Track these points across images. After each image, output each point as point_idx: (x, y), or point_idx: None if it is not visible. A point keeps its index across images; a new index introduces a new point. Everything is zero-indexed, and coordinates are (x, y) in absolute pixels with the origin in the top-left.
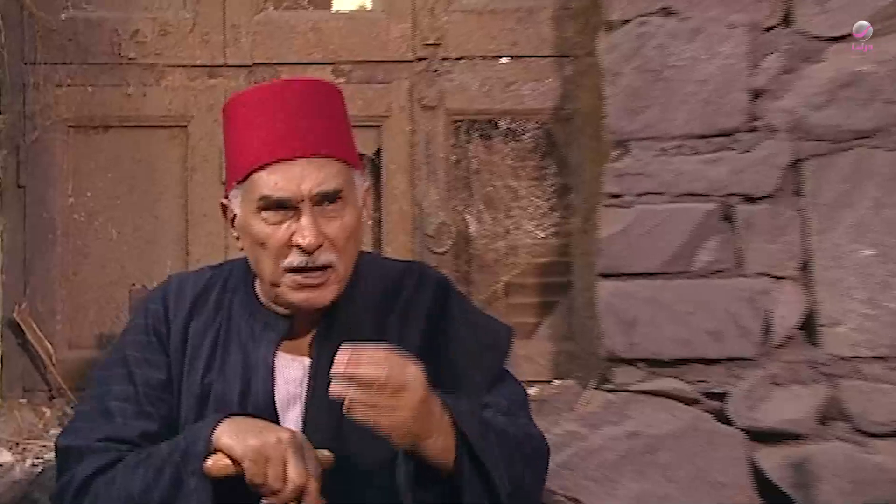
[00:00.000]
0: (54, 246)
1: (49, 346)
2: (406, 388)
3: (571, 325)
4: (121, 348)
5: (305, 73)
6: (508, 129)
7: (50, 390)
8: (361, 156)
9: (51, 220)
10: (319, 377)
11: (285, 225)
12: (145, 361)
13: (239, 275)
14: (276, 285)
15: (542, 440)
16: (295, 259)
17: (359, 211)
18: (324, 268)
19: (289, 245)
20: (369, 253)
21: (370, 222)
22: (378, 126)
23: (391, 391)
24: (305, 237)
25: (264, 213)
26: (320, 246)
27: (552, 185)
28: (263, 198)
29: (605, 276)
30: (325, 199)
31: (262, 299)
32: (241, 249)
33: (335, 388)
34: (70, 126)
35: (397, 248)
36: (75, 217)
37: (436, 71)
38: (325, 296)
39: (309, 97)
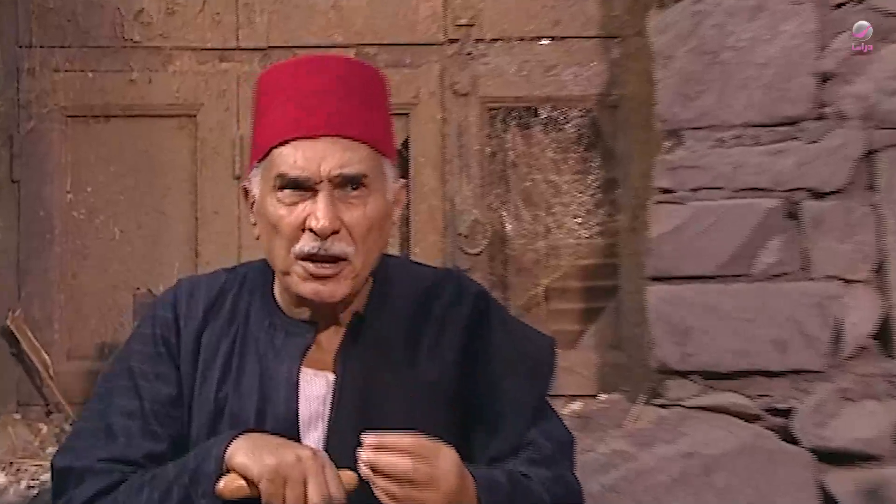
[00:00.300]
0: (51, 246)
1: (45, 356)
2: (436, 481)
3: (618, 334)
4: (125, 359)
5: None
6: (549, 117)
7: (47, 405)
8: None
9: (47, 218)
10: (345, 394)
11: (301, 207)
12: (153, 374)
13: (256, 278)
14: (286, 273)
15: (579, 496)
16: (307, 244)
17: (386, 204)
18: (337, 260)
19: (302, 229)
20: (398, 256)
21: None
22: (405, 115)
23: (420, 484)
24: (319, 220)
25: (280, 193)
26: (336, 233)
27: (597, 180)
28: (280, 175)
29: (656, 279)
30: (348, 182)
31: (283, 304)
32: (258, 238)
33: (364, 472)
34: (68, 115)
35: (426, 248)
36: (74, 215)
37: (469, 54)
38: (337, 290)
39: (345, 76)
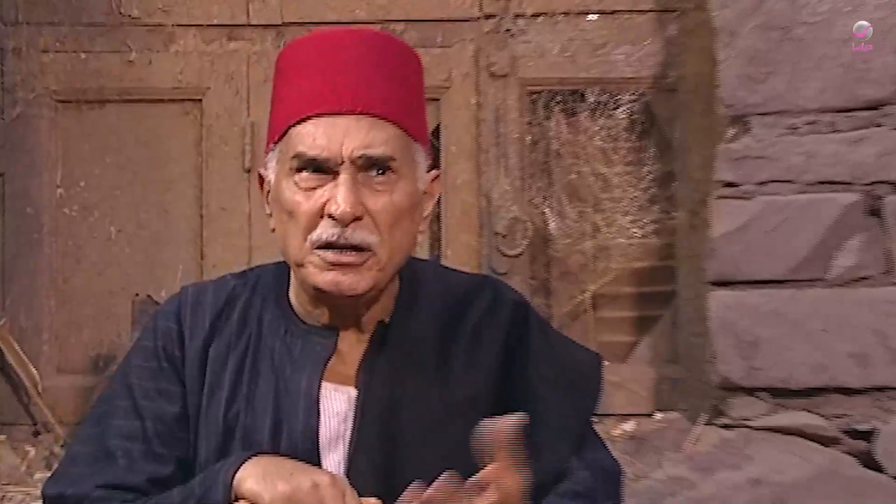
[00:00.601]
0: (40, 247)
1: (34, 370)
2: None
3: (676, 346)
4: (124, 376)
5: None
6: (597, 102)
7: (35, 425)
8: None
9: (35, 216)
10: (368, 412)
11: (320, 192)
12: (155, 391)
13: (269, 283)
14: (301, 265)
15: None
16: (325, 231)
17: (416, 193)
18: (360, 249)
19: (321, 215)
20: (427, 260)
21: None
22: (436, 100)
23: None
24: (339, 204)
25: (297, 177)
26: (358, 220)
27: (651, 172)
28: (298, 156)
29: (718, 284)
30: (373, 166)
31: (300, 309)
32: (274, 231)
33: None
34: (59, 100)
35: (459, 250)
36: (65, 212)
37: (507, 31)
38: (359, 282)
39: (376, 50)
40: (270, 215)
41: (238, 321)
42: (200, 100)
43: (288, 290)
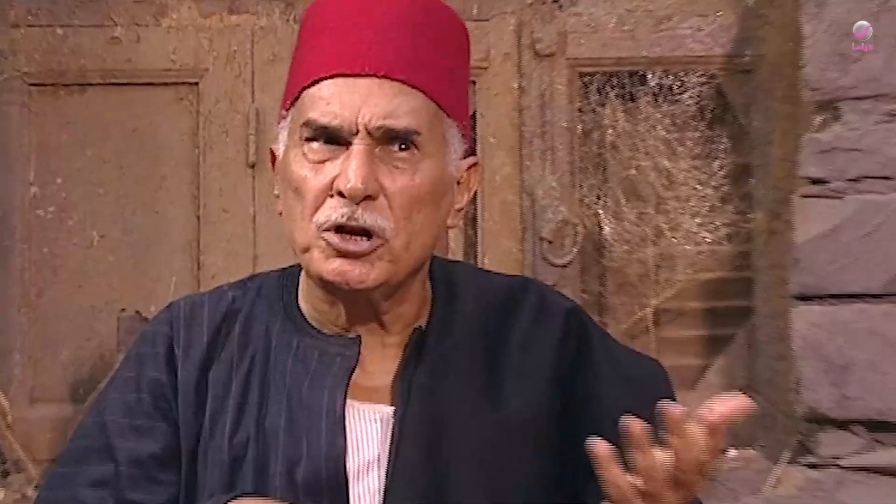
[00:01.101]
0: (9, 255)
1: (3, 399)
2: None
3: (753, 371)
4: (100, 411)
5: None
6: (660, 85)
7: (3, 463)
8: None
9: (4, 219)
10: (409, 433)
11: (330, 165)
12: (131, 429)
13: (273, 291)
14: (306, 250)
15: None
16: (334, 211)
17: (444, 176)
18: (370, 235)
19: (329, 193)
20: (462, 262)
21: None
22: (471, 82)
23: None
24: (350, 178)
25: (306, 147)
26: (371, 199)
27: (724, 167)
28: (308, 123)
29: (804, 298)
30: (393, 138)
31: (312, 315)
32: (281, 214)
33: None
34: (32, 84)
35: (498, 257)
36: (40, 213)
37: (555, 1)
38: (368, 273)
39: (414, 13)
40: (278, 196)
41: (240, 337)
42: (197, 83)
43: (297, 297)
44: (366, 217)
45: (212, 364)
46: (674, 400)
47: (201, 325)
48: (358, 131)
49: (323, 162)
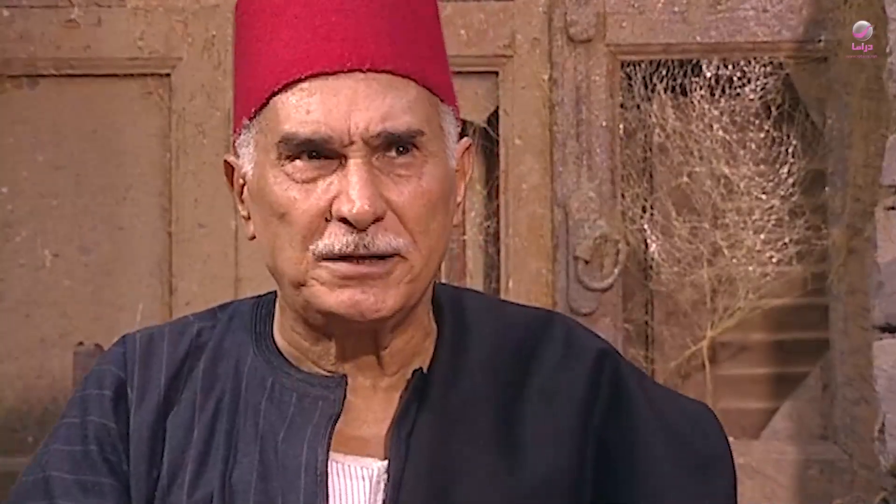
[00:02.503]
0: None
1: None
2: None
3: (829, 416)
4: (41, 466)
5: None
6: (717, 76)
7: None
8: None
9: None
10: (407, 494)
11: (322, 184)
12: (77, 487)
13: (244, 323)
14: (301, 285)
15: None
16: (337, 240)
17: (449, 174)
18: (384, 256)
19: (325, 217)
20: (474, 291)
21: (462, 234)
22: (493, 73)
23: None
24: (354, 201)
25: (289, 166)
26: (379, 220)
27: (793, 174)
28: (287, 138)
29: (889, 329)
30: (393, 144)
31: (290, 353)
32: (252, 238)
33: None
34: None
35: (526, 280)
36: None
37: None
38: (385, 299)
39: None
40: (248, 218)
41: (205, 376)
42: (168, 74)
43: (272, 329)
44: (377, 242)
45: (171, 408)
46: (727, 451)
47: (160, 363)
48: (352, 142)
49: (313, 181)
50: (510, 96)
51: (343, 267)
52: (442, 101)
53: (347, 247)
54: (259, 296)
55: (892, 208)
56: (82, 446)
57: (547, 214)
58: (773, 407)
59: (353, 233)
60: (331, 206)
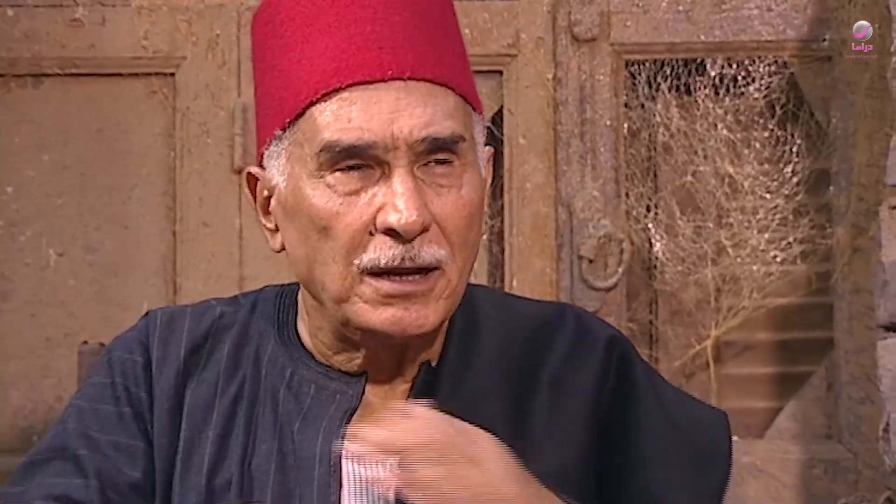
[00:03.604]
0: None
1: None
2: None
3: (833, 416)
4: (65, 422)
5: None
6: (722, 76)
7: None
8: None
9: None
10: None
11: (365, 196)
12: (110, 445)
13: (268, 311)
14: (343, 301)
15: None
16: (383, 253)
17: (483, 184)
18: (425, 270)
19: (369, 230)
20: (486, 287)
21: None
22: (497, 73)
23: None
24: (401, 211)
25: (329, 177)
26: (424, 231)
27: (798, 173)
28: (329, 146)
29: (893, 329)
30: (436, 151)
31: (314, 346)
32: (281, 250)
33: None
34: None
35: (530, 280)
36: None
37: None
38: (428, 316)
39: None
40: (275, 230)
41: (228, 360)
42: (173, 74)
43: (296, 319)
44: (422, 254)
45: (188, 382)
46: (726, 454)
47: (179, 337)
48: (396, 147)
49: (355, 193)
50: (514, 95)
51: (387, 285)
52: (473, 109)
53: (394, 260)
54: (282, 285)
55: None
56: (114, 407)
57: (551, 213)
58: (778, 406)
59: (399, 245)
60: (374, 218)
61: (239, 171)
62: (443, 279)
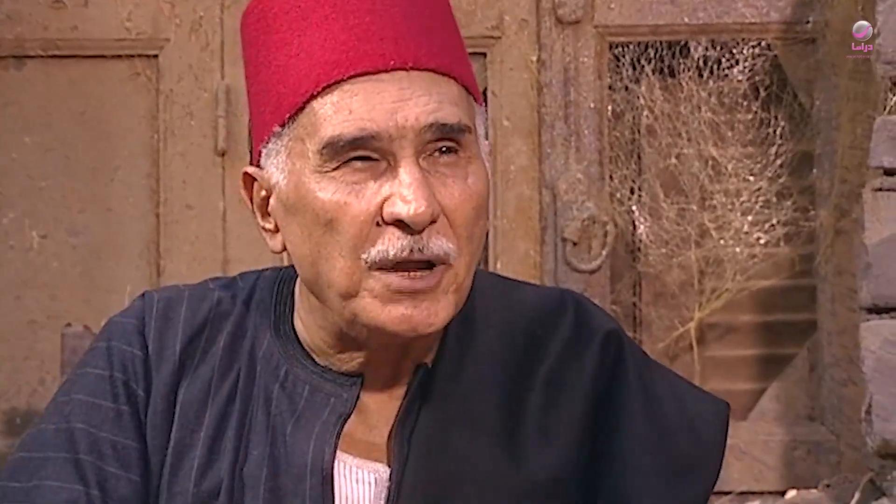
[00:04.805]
0: None
1: None
2: None
3: (816, 397)
4: (64, 415)
5: None
6: (705, 58)
7: None
8: None
9: None
10: (405, 498)
11: (371, 188)
12: (110, 447)
13: (265, 302)
14: (351, 296)
15: None
16: (391, 245)
17: (487, 174)
18: (432, 264)
19: (376, 221)
20: (485, 273)
21: None
22: (481, 55)
23: None
24: (410, 202)
25: (335, 171)
26: (433, 222)
27: (781, 155)
28: (331, 141)
29: (876, 310)
30: (442, 139)
31: (311, 342)
32: (282, 251)
33: None
34: None
35: (513, 262)
36: None
37: None
38: (438, 313)
39: None
40: (275, 231)
41: (224, 354)
42: (157, 55)
43: (292, 312)
44: (431, 246)
45: (184, 377)
46: (714, 455)
47: (176, 328)
48: (402, 136)
49: (361, 184)
50: (498, 78)
51: (396, 280)
52: (475, 99)
53: (403, 251)
54: (279, 269)
55: (880, 189)
56: (113, 403)
57: (535, 196)
58: (761, 388)
59: (407, 236)
60: (381, 209)
61: (223, 154)
62: (449, 272)
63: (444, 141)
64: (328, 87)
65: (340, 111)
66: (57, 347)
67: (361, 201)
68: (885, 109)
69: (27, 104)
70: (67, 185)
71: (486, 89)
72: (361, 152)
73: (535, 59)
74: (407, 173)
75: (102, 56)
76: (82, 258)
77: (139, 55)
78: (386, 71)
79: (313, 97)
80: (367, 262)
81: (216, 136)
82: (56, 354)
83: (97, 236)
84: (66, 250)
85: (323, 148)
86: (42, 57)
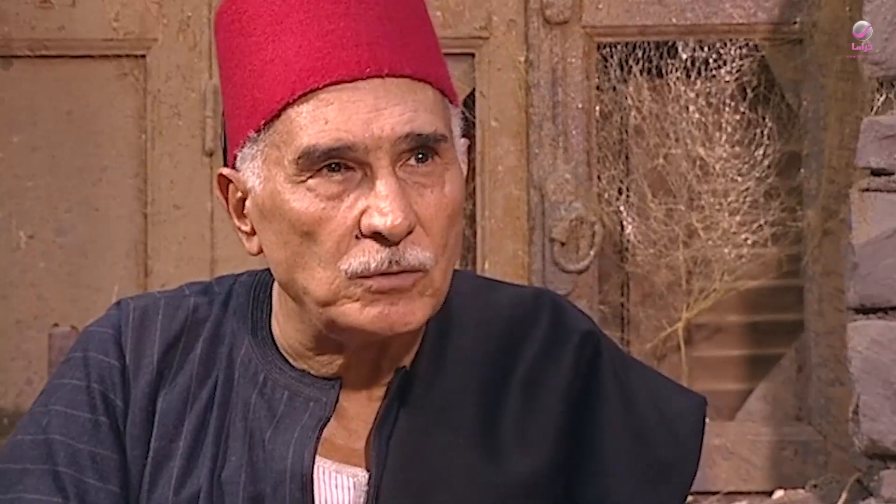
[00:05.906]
0: None
1: None
2: None
3: (803, 397)
4: (42, 426)
5: None
6: (693, 58)
7: None
8: None
9: None
10: (386, 501)
11: (348, 199)
12: (89, 459)
13: (243, 307)
14: (330, 303)
15: None
16: (371, 258)
17: (463, 181)
18: (411, 271)
19: (354, 234)
20: (463, 272)
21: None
22: (469, 55)
23: None
24: (387, 214)
25: (310, 181)
26: (409, 233)
27: (769, 155)
28: (307, 151)
29: (864, 311)
30: (417, 148)
31: (288, 347)
32: (258, 253)
33: None
34: None
35: (501, 262)
36: None
37: None
38: (415, 312)
39: None
40: (251, 233)
41: (201, 361)
42: (144, 56)
43: (270, 317)
44: (408, 257)
45: (162, 386)
46: (691, 457)
47: (153, 337)
48: (378, 146)
49: (338, 196)
50: (486, 78)
51: (376, 282)
52: (450, 102)
53: (383, 263)
54: (255, 273)
55: (867, 190)
56: (91, 414)
57: (523, 196)
58: (748, 388)
59: (385, 248)
60: (359, 222)
61: (211, 154)
62: (425, 279)
63: (421, 149)
64: (304, 96)
65: (316, 121)
66: (44, 347)
67: (338, 215)
68: (872, 110)
69: (14, 104)
70: (55, 185)
71: (473, 89)
72: (336, 163)
73: (522, 59)
74: (384, 185)
75: (90, 56)
76: (69, 258)
77: (127, 55)
78: (362, 79)
79: (289, 105)
80: (347, 273)
81: (204, 136)
82: (43, 354)
83: (84, 236)
84: (53, 250)
85: (299, 158)
86: (29, 57)
